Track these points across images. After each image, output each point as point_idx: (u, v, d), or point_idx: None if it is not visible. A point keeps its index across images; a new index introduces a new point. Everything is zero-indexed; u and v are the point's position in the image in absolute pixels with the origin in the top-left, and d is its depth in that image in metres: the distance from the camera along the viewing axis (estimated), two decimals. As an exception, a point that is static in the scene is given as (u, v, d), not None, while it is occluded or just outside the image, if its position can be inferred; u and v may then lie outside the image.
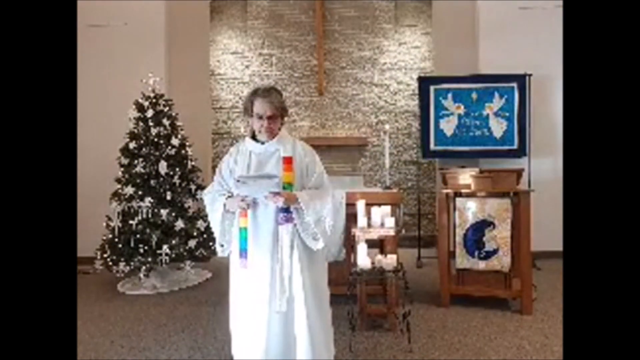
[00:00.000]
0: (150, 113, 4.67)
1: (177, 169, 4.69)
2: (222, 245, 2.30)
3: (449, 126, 5.54)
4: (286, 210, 2.09)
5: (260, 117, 2.19)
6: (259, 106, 2.18)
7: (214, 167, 6.40)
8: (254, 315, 2.13)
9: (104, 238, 4.50)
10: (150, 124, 4.66)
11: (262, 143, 2.23)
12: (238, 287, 2.22)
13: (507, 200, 3.75)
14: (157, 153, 4.61)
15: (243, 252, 2.14)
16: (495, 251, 3.78)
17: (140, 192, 4.49)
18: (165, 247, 4.37)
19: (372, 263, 3.21)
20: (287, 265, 2.09)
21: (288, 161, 2.12)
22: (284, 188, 2.08)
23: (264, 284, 2.12)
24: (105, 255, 4.39)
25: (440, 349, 3.10)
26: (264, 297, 2.11)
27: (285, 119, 2.33)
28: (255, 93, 2.23)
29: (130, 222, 4.41)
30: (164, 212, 4.47)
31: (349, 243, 3.66)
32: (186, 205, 4.75)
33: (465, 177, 3.97)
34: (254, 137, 2.27)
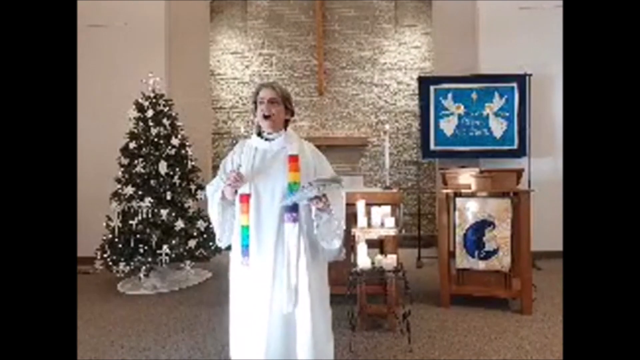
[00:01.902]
0: (150, 113, 4.67)
1: (177, 169, 4.70)
2: (220, 241, 2.29)
3: (449, 126, 5.55)
4: (293, 209, 2.08)
5: (262, 102, 2.18)
6: (262, 93, 2.20)
7: (214, 167, 6.41)
8: (254, 315, 2.12)
9: (104, 238, 4.50)
10: (150, 124, 4.66)
11: (268, 140, 2.22)
12: (238, 286, 2.21)
13: (507, 200, 3.75)
14: (157, 153, 4.61)
15: (245, 249, 2.12)
16: (495, 251, 3.78)
17: (140, 192, 4.49)
18: (165, 247, 4.37)
19: (372, 263, 3.21)
20: (293, 266, 2.08)
21: (294, 160, 2.08)
22: (289, 187, 2.07)
23: (265, 284, 2.11)
24: (105, 255, 4.39)
25: (440, 349, 3.10)
26: (265, 297, 2.10)
27: (291, 117, 2.30)
28: (260, 85, 2.26)
29: (130, 222, 4.41)
30: (164, 212, 4.47)
31: (349, 243, 3.66)
32: (186, 205, 4.75)
33: (465, 177, 3.97)
34: (260, 135, 2.25)
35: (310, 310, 2.10)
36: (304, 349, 2.10)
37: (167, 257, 4.39)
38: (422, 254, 5.54)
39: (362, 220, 3.28)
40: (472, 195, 3.85)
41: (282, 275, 2.08)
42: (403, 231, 4.63)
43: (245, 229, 2.11)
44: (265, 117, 2.17)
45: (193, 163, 4.90)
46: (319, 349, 2.13)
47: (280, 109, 2.20)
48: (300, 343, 2.11)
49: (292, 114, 2.29)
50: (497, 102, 5.44)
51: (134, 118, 4.69)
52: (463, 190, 3.88)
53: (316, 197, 2.02)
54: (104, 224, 4.53)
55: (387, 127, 4.87)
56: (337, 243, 2.15)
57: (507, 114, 5.42)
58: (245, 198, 2.12)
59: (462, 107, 5.50)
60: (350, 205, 3.37)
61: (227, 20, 6.75)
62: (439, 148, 5.59)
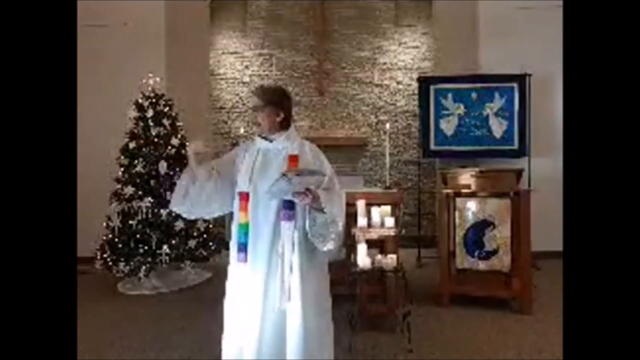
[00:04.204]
0: (150, 113, 4.67)
1: (177, 169, 4.69)
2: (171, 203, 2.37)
3: (449, 126, 5.55)
4: (289, 207, 2.08)
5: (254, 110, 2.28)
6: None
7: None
8: (248, 312, 2.12)
9: (104, 238, 4.50)
10: (150, 124, 4.66)
11: (269, 140, 2.24)
12: (234, 283, 2.21)
13: (507, 200, 3.75)
14: (157, 153, 4.61)
15: (242, 246, 2.14)
16: (495, 251, 3.78)
17: (140, 192, 4.49)
18: (165, 247, 4.37)
19: (372, 263, 3.20)
20: (288, 263, 2.08)
21: (293, 159, 2.11)
22: None
23: (260, 281, 2.11)
24: (105, 255, 4.39)
25: (440, 349, 3.10)
26: (259, 294, 2.10)
27: (284, 114, 2.26)
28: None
29: (130, 222, 4.41)
30: (164, 212, 4.47)
31: (349, 243, 3.65)
32: (186, 205, 4.75)
33: (465, 177, 3.97)
34: (263, 136, 2.28)
35: (302, 309, 2.09)
36: (293, 349, 2.09)
37: (167, 257, 4.39)
38: (422, 254, 5.54)
39: (362, 220, 3.28)
40: (472, 195, 3.85)
41: (277, 272, 2.09)
42: (403, 231, 4.63)
43: (243, 226, 2.13)
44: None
45: (193, 163, 4.89)
46: (311, 350, 2.11)
47: (265, 114, 2.21)
48: (290, 343, 2.10)
49: (287, 112, 2.25)
50: (497, 102, 5.44)
51: (134, 118, 4.69)
52: (463, 190, 3.88)
53: (299, 192, 1.99)
54: (104, 224, 4.53)
55: (387, 127, 4.87)
56: (330, 246, 2.12)
57: (507, 114, 5.43)
58: (245, 196, 2.14)
59: (462, 107, 5.51)
60: (350, 205, 3.37)
61: (226, 20, 6.75)
62: (439, 148, 5.59)
